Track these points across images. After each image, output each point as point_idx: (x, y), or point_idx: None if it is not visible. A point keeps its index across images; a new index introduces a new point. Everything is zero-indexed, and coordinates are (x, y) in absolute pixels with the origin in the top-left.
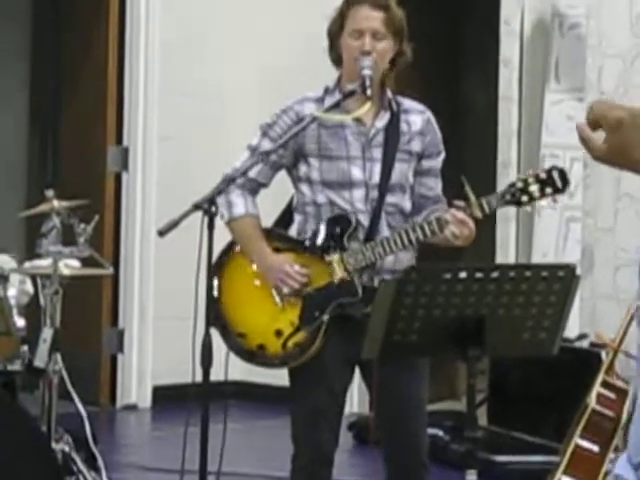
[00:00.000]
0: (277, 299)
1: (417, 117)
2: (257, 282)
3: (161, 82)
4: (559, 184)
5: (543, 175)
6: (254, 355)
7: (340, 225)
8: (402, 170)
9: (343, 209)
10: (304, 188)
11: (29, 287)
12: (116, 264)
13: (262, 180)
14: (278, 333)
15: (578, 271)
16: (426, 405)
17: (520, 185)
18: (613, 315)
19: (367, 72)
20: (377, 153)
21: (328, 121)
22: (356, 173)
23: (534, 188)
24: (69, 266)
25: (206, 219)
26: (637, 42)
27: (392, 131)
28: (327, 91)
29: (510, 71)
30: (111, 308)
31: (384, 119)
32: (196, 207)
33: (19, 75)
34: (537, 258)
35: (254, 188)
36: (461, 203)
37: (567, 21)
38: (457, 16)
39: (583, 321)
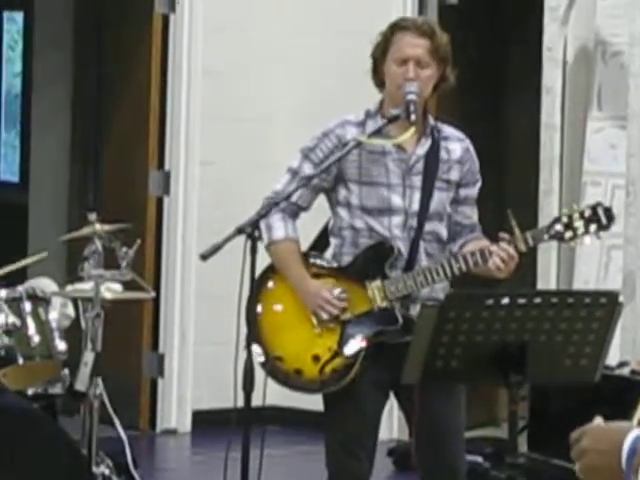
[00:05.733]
0: (315, 324)
1: (457, 145)
2: (295, 306)
3: (203, 106)
4: (604, 221)
5: (588, 212)
6: (289, 379)
7: (381, 252)
8: (441, 198)
9: (381, 235)
10: (342, 212)
11: (70, 310)
12: (157, 288)
13: (302, 204)
14: (316, 358)
15: (620, 298)
16: (464, 431)
17: (565, 220)
18: None
19: (412, 97)
20: (417, 181)
21: (371, 146)
22: (396, 200)
23: (578, 224)
24: (111, 290)
25: (249, 243)
26: None
27: (432, 158)
28: (368, 115)
29: (552, 98)
30: (152, 332)
31: (425, 146)
32: (239, 231)
33: (61, 100)
34: (578, 286)
35: (294, 212)
36: (506, 236)
37: (610, 49)
38: (500, 43)
39: (624, 349)
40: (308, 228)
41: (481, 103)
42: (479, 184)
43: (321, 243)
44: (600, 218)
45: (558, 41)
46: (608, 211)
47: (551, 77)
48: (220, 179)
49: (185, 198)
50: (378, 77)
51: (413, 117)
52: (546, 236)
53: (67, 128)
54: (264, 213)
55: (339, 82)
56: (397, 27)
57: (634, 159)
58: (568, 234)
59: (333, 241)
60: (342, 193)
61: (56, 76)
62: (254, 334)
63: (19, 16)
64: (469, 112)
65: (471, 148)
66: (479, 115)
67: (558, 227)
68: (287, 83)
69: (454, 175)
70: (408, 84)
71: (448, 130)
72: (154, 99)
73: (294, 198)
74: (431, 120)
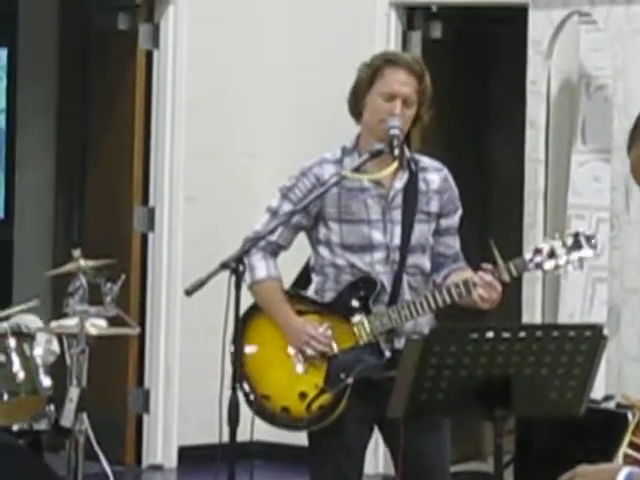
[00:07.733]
0: (300, 361)
1: (435, 175)
2: (281, 344)
3: (187, 142)
4: (586, 249)
5: (570, 240)
6: (276, 417)
7: (364, 287)
8: (422, 231)
9: (363, 271)
10: (323, 250)
11: (55, 346)
12: (142, 324)
13: (283, 243)
14: (302, 395)
15: (605, 332)
16: (449, 465)
17: (547, 249)
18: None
19: (395, 132)
20: (397, 215)
21: (350, 183)
22: (377, 236)
23: (561, 253)
24: (96, 325)
25: (233, 278)
26: None
27: (410, 191)
28: (345, 152)
29: (536, 132)
30: (137, 368)
31: (403, 179)
32: (223, 266)
33: (46, 135)
34: (563, 319)
35: (274, 250)
36: (489, 266)
37: (594, 82)
38: (483, 77)
39: (609, 382)
40: (289, 266)
41: (465, 136)
42: (459, 212)
43: (302, 281)
44: (582, 246)
45: (542, 74)
46: (590, 238)
47: (535, 111)
48: (205, 215)
49: (170, 234)
50: (357, 107)
51: (396, 152)
52: (530, 265)
53: (52, 163)
54: (248, 248)
55: (324, 117)
56: (389, 62)
57: (618, 192)
58: (551, 263)
59: (315, 278)
60: (322, 231)
61: (40, 111)
62: (239, 372)
63: (3, 52)
64: (453, 145)
65: (449, 177)
66: (463, 148)
67: (541, 256)
68: (272, 118)
69: (434, 206)
70: (391, 119)
71: (426, 161)
72: (138, 135)
73: (274, 237)
74: (407, 152)
